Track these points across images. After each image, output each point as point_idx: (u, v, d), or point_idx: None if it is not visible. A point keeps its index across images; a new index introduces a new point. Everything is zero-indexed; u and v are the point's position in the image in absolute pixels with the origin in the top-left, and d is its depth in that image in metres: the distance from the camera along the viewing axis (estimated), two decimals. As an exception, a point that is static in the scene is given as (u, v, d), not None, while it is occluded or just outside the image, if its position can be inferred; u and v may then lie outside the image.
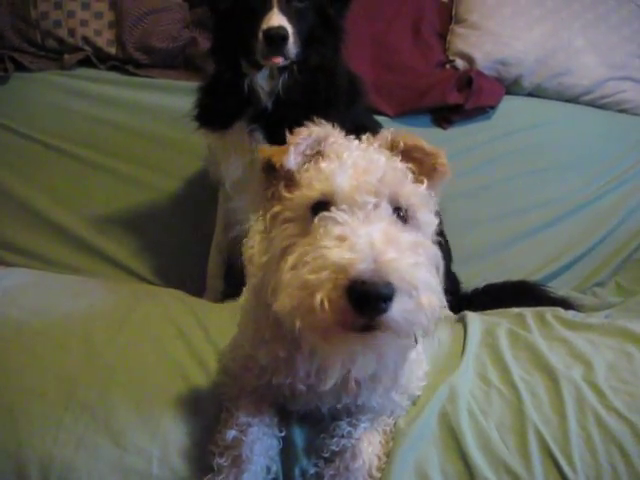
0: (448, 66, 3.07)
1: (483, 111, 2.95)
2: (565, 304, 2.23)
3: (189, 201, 2.58)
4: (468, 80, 2.89)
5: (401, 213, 1.10)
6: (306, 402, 1.34)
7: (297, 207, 1.10)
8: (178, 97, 2.68)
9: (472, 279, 2.50)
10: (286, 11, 1.92)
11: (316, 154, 1.15)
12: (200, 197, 2.45)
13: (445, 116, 2.90)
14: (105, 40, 2.82)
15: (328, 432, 1.36)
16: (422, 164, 1.19)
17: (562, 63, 3.08)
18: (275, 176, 1.15)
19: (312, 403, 1.34)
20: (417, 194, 1.14)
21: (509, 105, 3.02)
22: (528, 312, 1.98)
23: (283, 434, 1.34)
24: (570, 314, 2.03)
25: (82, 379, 1.45)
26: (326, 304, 0.94)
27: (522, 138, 2.95)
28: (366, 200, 1.04)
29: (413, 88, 2.79)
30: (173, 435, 1.37)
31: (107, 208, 2.58)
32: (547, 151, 2.95)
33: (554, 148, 2.96)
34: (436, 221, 1.18)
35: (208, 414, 1.40)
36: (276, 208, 1.13)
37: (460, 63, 3.04)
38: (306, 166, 1.14)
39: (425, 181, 1.16)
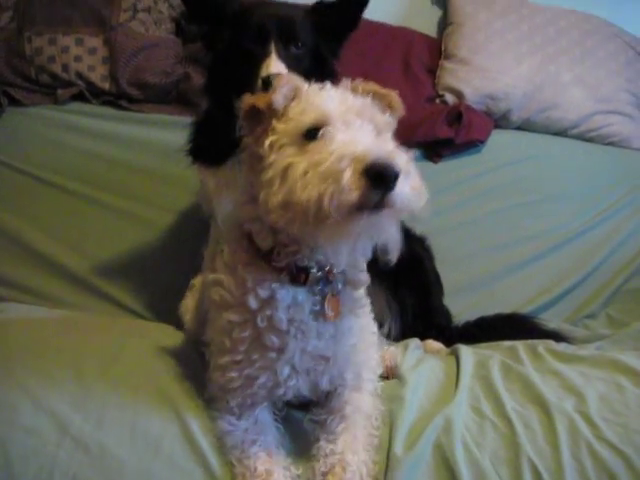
0: (438, 101, 3.11)
1: (473, 145, 2.98)
2: (556, 336, 2.24)
3: (181, 235, 2.57)
4: (458, 115, 2.93)
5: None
6: (288, 355, 1.38)
7: (292, 134, 1.28)
8: (171, 132, 2.68)
9: (463, 312, 2.51)
10: (284, 57, 1.91)
11: (293, 98, 1.35)
12: (193, 231, 2.44)
13: (435, 150, 2.93)
14: (99, 75, 2.83)
15: (313, 456, 1.40)
16: (379, 105, 1.38)
17: (550, 97, 3.13)
18: (260, 118, 1.34)
19: (299, 354, 1.39)
20: (384, 120, 1.36)
21: (498, 139, 3.05)
22: (520, 345, 1.99)
23: (300, 472, 1.38)
24: (562, 346, 2.04)
25: (75, 414, 1.43)
26: (351, 184, 1.13)
27: (511, 171, 2.98)
28: (355, 119, 1.27)
29: (403, 122, 2.77)
30: (167, 472, 1.36)
31: (100, 242, 2.57)
32: (536, 184, 2.98)
33: (543, 181, 3.00)
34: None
35: (202, 448, 1.40)
36: (272, 138, 1.30)
37: (449, 98, 3.08)
38: (293, 103, 1.33)
39: (388, 111, 1.39)
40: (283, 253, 1.34)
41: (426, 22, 3.33)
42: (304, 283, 1.37)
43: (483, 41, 3.12)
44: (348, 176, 1.14)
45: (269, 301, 1.35)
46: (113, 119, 2.84)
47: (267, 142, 1.30)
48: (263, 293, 1.35)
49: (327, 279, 1.39)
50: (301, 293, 1.37)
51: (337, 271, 1.39)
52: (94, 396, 1.49)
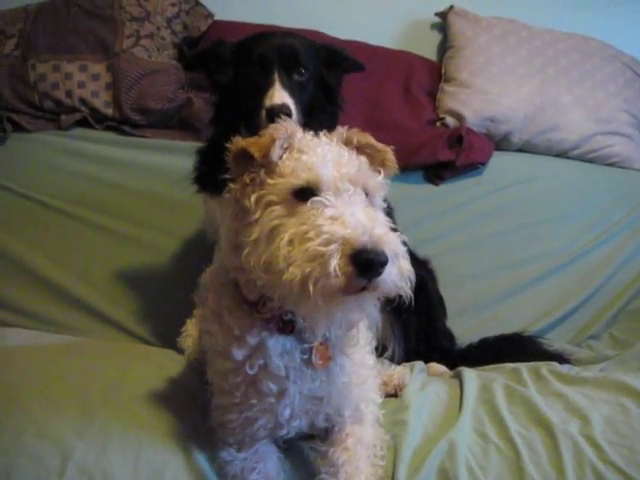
0: (438, 124, 3.13)
1: (474, 167, 2.99)
2: (560, 358, 2.23)
3: (186, 260, 2.57)
4: (458, 137, 2.94)
5: (367, 197, 1.29)
6: (289, 400, 1.36)
7: (281, 192, 1.25)
8: (174, 157, 2.74)
9: (466, 334, 2.51)
10: (287, 86, 1.93)
11: (286, 148, 1.31)
12: (197, 256, 2.44)
13: (437, 173, 2.94)
14: (102, 101, 2.86)
15: None
16: (373, 158, 1.37)
17: (550, 119, 3.14)
18: (252, 164, 1.30)
19: (295, 399, 1.37)
20: (377, 182, 1.33)
21: (499, 161, 3.06)
22: (524, 367, 1.99)
23: None
24: (565, 368, 2.04)
25: (78, 442, 1.43)
26: (338, 270, 1.10)
27: (513, 193, 2.99)
28: (347, 187, 1.23)
29: (405, 146, 2.80)
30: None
31: (104, 267, 2.57)
32: (537, 205, 2.99)
33: (544, 202, 3.00)
34: (384, 204, 1.37)
35: (206, 477, 1.39)
36: (261, 192, 1.27)
37: (450, 121, 3.10)
38: (284, 156, 1.29)
39: (382, 172, 1.36)
40: (269, 306, 1.31)
41: (426, 46, 3.37)
42: (291, 332, 1.34)
43: (483, 64, 3.15)
44: (335, 262, 1.11)
45: (259, 349, 1.33)
46: (116, 144, 2.86)
47: (254, 196, 1.27)
48: (252, 340, 1.33)
49: None
50: (289, 341, 1.34)
51: None
52: (98, 424, 1.49)
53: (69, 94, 2.85)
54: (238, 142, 1.31)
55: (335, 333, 1.34)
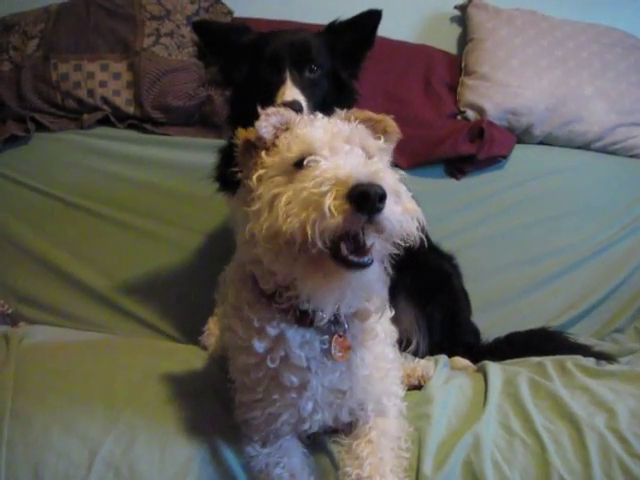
0: (459, 117, 3.11)
1: (495, 161, 2.97)
2: (587, 351, 2.21)
3: (208, 256, 2.59)
4: (479, 131, 2.92)
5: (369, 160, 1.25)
6: (311, 392, 1.37)
7: (280, 166, 1.26)
8: (195, 153, 2.76)
9: (490, 328, 2.50)
10: (299, 83, 1.94)
11: (286, 129, 1.33)
12: (219, 252, 2.45)
13: (458, 166, 2.93)
14: (123, 100, 2.88)
15: None
16: (375, 130, 1.37)
17: (572, 111, 3.11)
18: (253, 152, 1.33)
19: (316, 392, 1.37)
20: (378, 146, 1.33)
21: (521, 154, 3.04)
22: (548, 361, 1.98)
23: None
24: (590, 361, 2.02)
25: (105, 437, 1.45)
26: (333, 208, 1.08)
27: (535, 186, 2.96)
28: (342, 145, 1.23)
29: (425, 140, 2.82)
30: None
31: (127, 264, 2.60)
32: (560, 198, 2.96)
33: (567, 195, 2.97)
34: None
35: (232, 472, 1.41)
36: (260, 171, 1.28)
37: (471, 114, 3.08)
38: (282, 136, 1.31)
39: (382, 137, 1.36)
40: (285, 296, 1.30)
41: (446, 39, 3.35)
42: (310, 325, 1.33)
43: (504, 56, 3.12)
44: (330, 201, 1.08)
45: (279, 340, 1.33)
46: (138, 142, 2.88)
47: (255, 175, 1.28)
48: (272, 331, 1.32)
49: (334, 317, 1.34)
50: (309, 332, 1.34)
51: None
52: (124, 419, 1.51)
53: (91, 93, 2.87)
54: (241, 133, 1.34)
55: (345, 312, 1.32)
